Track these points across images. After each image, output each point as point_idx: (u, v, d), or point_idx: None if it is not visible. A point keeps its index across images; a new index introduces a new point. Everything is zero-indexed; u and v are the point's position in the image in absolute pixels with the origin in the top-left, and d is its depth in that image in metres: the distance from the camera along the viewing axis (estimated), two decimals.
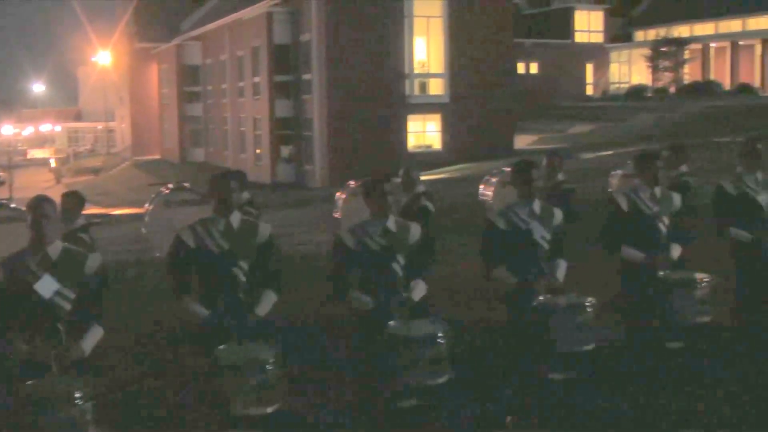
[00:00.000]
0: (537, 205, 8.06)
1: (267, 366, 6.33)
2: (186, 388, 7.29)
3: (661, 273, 8.33)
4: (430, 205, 10.64)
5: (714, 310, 8.32)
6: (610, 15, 75.51)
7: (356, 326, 7.55)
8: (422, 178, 12.29)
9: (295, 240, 19.86)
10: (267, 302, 7.20)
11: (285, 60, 51.70)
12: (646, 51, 66.60)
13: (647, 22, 75.14)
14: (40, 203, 6.50)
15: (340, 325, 8.66)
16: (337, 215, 11.26)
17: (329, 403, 8.23)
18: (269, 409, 6.33)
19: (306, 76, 49.92)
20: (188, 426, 7.86)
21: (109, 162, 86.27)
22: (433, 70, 49.87)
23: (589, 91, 73.56)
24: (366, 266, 7.40)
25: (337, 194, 11.56)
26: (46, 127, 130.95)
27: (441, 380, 6.85)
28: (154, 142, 77.15)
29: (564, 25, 73.27)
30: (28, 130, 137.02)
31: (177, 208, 12.28)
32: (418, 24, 49.18)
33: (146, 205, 12.20)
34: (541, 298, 7.73)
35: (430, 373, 6.80)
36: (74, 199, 10.38)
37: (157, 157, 75.72)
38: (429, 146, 49.74)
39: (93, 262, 6.63)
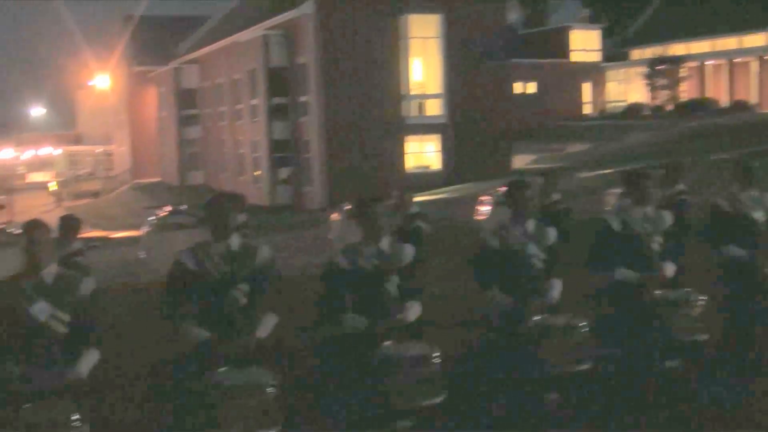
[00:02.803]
0: (531, 225, 8.06)
1: (267, 389, 6.32)
2: (182, 412, 7.27)
3: (658, 292, 8.32)
4: (424, 226, 10.68)
5: (708, 329, 8.33)
6: (606, 34, 75.70)
7: (350, 348, 7.53)
8: (420, 198, 12.36)
9: (292, 262, 19.84)
10: (267, 324, 7.20)
11: (282, 82, 51.74)
12: (643, 69, 66.72)
13: (643, 41, 75.39)
14: (34, 228, 6.55)
15: (334, 347, 8.65)
16: (331, 237, 11.31)
17: (325, 426, 8.22)
18: None
19: (303, 99, 49.98)
20: None
21: (108, 185, 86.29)
22: (430, 91, 49.89)
23: (587, 110, 73.66)
24: (359, 288, 7.39)
25: (332, 216, 11.61)
26: (45, 151, 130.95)
27: (435, 401, 6.85)
28: (152, 165, 77.17)
29: (560, 44, 73.46)
30: (28, 154, 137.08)
31: (173, 232, 12.33)
32: (415, 45, 49.25)
33: (143, 228, 12.26)
34: (536, 318, 7.72)
35: (424, 394, 6.81)
36: (70, 223, 10.41)
37: (156, 179, 75.73)
38: (427, 167, 49.72)
39: (87, 285, 6.67)
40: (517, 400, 7.91)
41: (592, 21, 78.83)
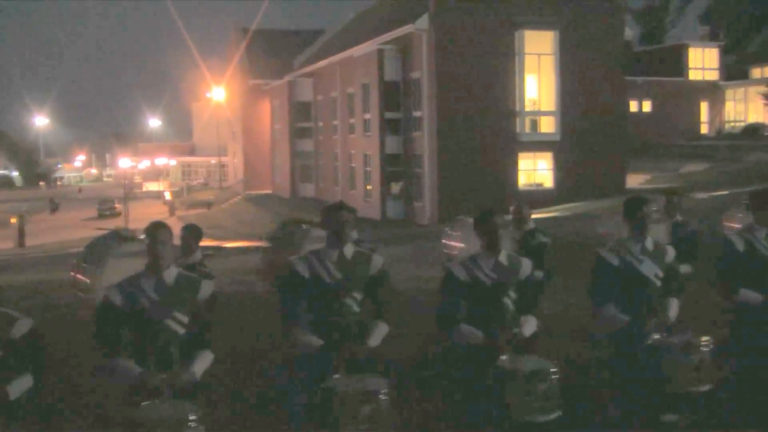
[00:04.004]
0: (650, 242, 7.90)
1: (380, 396, 6.36)
2: (297, 417, 7.33)
3: None
4: (547, 240, 10.62)
5: None
6: (724, 52, 74.24)
7: (465, 361, 7.48)
8: (533, 216, 12.28)
9: (403, 275, 19.87)
10: (379, 333, 7.23)
11: (395, 97, 51.99)
12: (763, 88, 65.24)
13: (764, 59, 73.70)
14: (157, 229, 6.67)
15: (446, 359, 8.63)
16: (447, 250, 11.28)
17: None
18: None
19: (416, 113, 50.12)
20: None
21: (221, 196, 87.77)
22: (544, 108, 49.58)
23: (704, 129, 72.28)
24: (476, 300, 7.35)
25: (447, 229, 11.57)
26: (161, 161, 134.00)
27: (551, 417, 6.77)
28: (265, 177, 78.22)
29: (678, 62, 72.28)
30: (144, 164, 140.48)
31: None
32: (529, 61, 49.00)
33: (264, 239, 12.35)
34: (655, 336, 7.56)
35: (541, 410, 6.73)
36: (194, 233, 10.54)
37: (269, 191, 76.72)
38: (540, 184, 49.35)
39: (206, 288, 6.77)
40: (635, 419, 7.74)
41: (710, 38, 77.39)
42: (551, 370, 6.80)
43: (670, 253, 8.03)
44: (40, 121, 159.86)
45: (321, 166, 67.37)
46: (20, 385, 6.56)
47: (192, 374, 6.55)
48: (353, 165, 58.60)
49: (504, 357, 6.99)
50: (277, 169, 75.84)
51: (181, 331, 6.61)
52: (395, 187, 52.94)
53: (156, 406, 6.10)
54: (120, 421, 6.20)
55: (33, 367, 6.67)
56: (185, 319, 6.61)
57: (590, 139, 48.41)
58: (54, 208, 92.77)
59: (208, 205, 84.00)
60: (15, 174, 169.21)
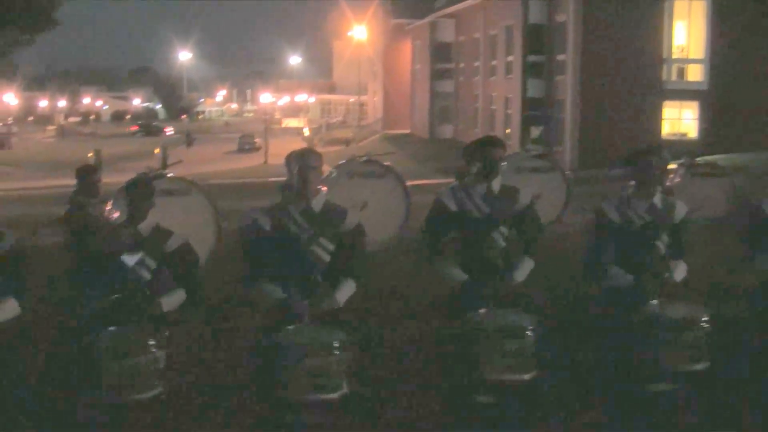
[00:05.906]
0: None
1: (527, 333, 6.33)
2: (444, 349, 7.29)
3: None
4: None
5: None
6: None
7: (610, 305, 7.29)
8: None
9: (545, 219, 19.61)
10: (525, 268, 7.16)
11: (539, 40, 51.11)
12: None
13: None
14: (306, 154, 6.64)
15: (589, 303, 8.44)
16: None
17: (579, 378, 8.07)
18: None
19: (560, 57, 49.31)
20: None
21: (359, 134, 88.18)
22: (692, 56, 48.17)
23: None
24: (627, 242, 7.13)
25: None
26: (300, 98, 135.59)
27: (699, 367, 6.56)
28: (404, 117, 78.29)
29: None
30: (284, 100, 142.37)
31: None
32: (679, 7, 47.60)
33: None
34: None
35: (689, 358, 6.52)
36: None
37: (407, 131, 76.79)
38: (684, 134, 48.08)
39: (352, 219, 6.73)
40: None
41: None
42: (702, 318, 6.57)
43: None
44: (184, 56, 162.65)
45: (460, 108, 67.10)
46: (174, 299, 6.74)
47: (335, 301, 6.57)
48: (494, 107, 58.20)
49: (654, 302, 6.78)
50: (416, 110, 75.86)
51: (327, 258, 6.60)
52: (535, 132, 52.33)
53: (300, 330, 6.13)
54: (264, 344, 6.23)
55: (185, 283, 6.81)
56: (331, 247, 6.60)
57: (740, 90, 46.66)
58: (190, 142, 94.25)
59: (346, 142, 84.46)
60: (159, 107, 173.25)
